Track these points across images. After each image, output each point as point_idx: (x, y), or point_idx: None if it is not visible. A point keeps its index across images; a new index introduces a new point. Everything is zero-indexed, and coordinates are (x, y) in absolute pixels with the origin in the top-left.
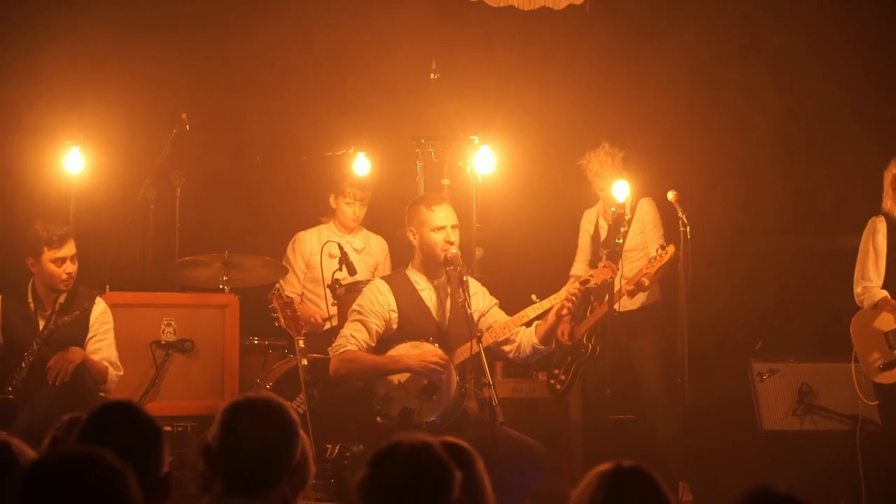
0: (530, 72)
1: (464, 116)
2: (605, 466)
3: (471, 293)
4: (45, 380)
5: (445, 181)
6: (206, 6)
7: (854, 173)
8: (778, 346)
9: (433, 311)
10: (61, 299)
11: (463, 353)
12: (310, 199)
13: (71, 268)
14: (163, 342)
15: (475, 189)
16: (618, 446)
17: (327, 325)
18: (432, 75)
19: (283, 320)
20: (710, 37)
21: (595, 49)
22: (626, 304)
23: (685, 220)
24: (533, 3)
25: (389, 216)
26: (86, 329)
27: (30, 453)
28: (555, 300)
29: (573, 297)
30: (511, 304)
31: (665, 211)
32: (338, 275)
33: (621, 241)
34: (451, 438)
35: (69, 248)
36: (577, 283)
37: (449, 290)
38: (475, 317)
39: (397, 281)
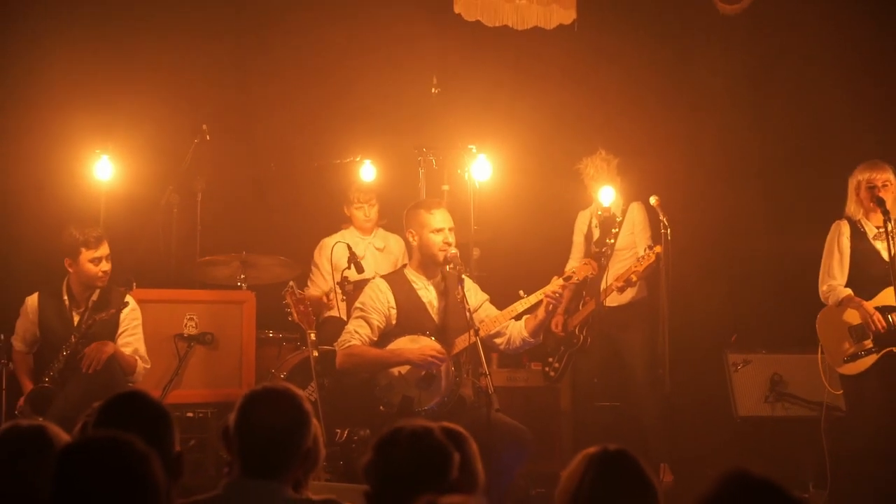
0: (524, 86)
1: (462, 127)
2: (592, 450)
3: (465, 289)
4: (78, 371)
5: (445, 187)
6: (226, 28)
7: (821, 180)
8: (751, 339)
9: (430, 307)
10: (94, 296)
11: (459, 345)
12: (320, 203)
13: (106, 266)
14: (185, 335)
15: (473, 194)
16: (604, 431)
17: (333, 312)
18: (433, 89)
19: (295, 315)
20: (689, 52)
21: (583, 65)
22: (615, 300)
23: (666, 223)
24: (526, 22)
25: (392, 219)
26: (117, 325)
27: (64, 438)
28: (540, 295)
29: (555, 294)
30: (506, 300)
31: (649, 214)
32: (347, 273)
33: (612, 241)
34: (447, 423)
35: (104, 249)
36: (560, 279)
37: (445, 287)
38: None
39: (396, 280)
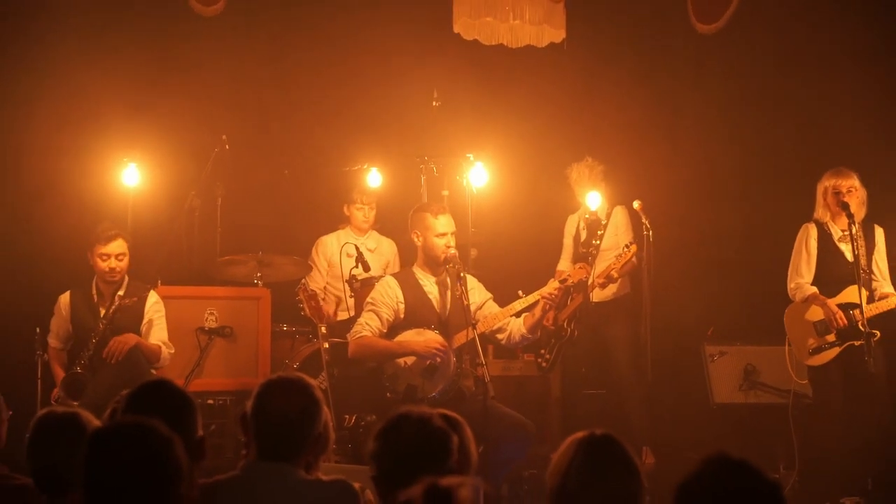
0: (517, 99)
1: (461, 137)
2: (580, 434)
3: (468, 288)
4: (106, 361)
5: (445, 192)
6: (243, 47)
7: (791, 186)
8: (726, 333)
9: (435, 303)
10: (121, 291)
11: (460, 338)
12: (330, 207)
13: (115, 264)
14: (206, 328)
15: (470, 199)
16: (591, 417)
17: (344, 316)
18: (434, 102)
19: (307, 310)
20: (669, 68)
21: (571, 80)
22: (601, 296)
23: (648, 226)
24: (519, 41)
25: (397, 222)
26: (141, 316)
27: (95, 423)
28: (537, 296)
29: (551, 295)
30: (502, 297)
31: (632, 217)
32: (355, 271)
33: (598, 242)
34: (444, 410)
35: (114, 247)
36: (556, 282)
37: (449, 285)
38: (472, 308)
39: (405, 277)
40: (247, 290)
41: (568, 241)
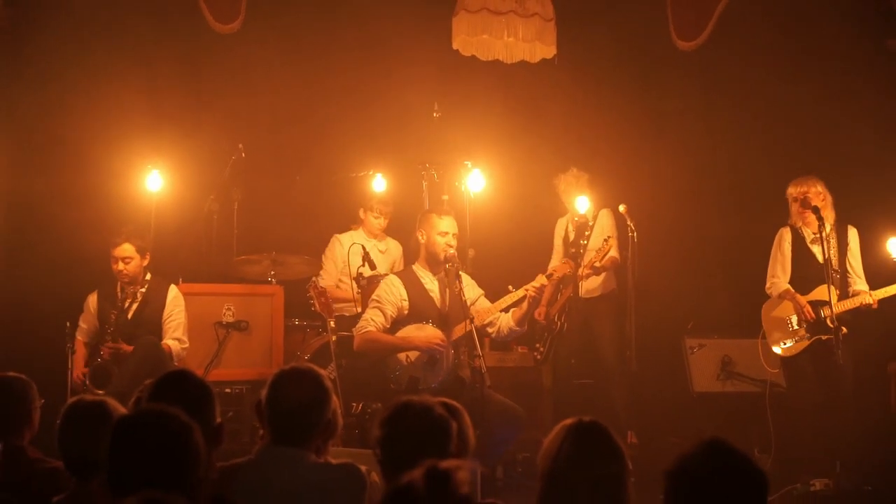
0: (512, 111)
1: (460, 146)
2: (569, 420)
3: (463, 284)
4: (131, 354)
5: (445, 197)
6: (258, 59)
7: (767, 191)
8: (705, 326)
9: (435, 299)
10: (143, 289)
11: (458, 332)
12: (338, 210)
13: (122, 267)
14: (224, 323)
15: (468, 203)
16: (580, 405)
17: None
18: (435, 113)
19: (318, 306)
20: (652, 81)
21: (563, 93)
22: (590, 293)
23: (633, 227)
24: (514, 57)
25: (400, 225)
26: (162, 309)
27: (121, 411)
28: (523, 291)
29: (536, 289)
30: (498, 294)
31: (617, 219)
32: (362, 269)
33: (585, 242)
34: (444, 399)
35: (121, 251)
36: (543, 277)
37: (446, 282)
38: (466, 303)
39: (407, 276)
40: (261, 288)
41: (558, 242)
